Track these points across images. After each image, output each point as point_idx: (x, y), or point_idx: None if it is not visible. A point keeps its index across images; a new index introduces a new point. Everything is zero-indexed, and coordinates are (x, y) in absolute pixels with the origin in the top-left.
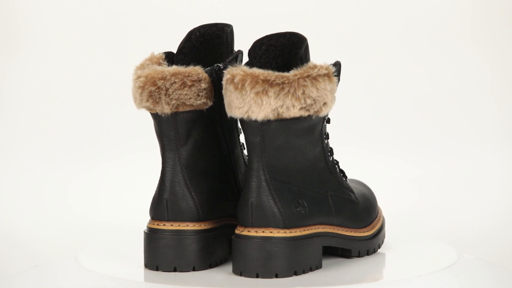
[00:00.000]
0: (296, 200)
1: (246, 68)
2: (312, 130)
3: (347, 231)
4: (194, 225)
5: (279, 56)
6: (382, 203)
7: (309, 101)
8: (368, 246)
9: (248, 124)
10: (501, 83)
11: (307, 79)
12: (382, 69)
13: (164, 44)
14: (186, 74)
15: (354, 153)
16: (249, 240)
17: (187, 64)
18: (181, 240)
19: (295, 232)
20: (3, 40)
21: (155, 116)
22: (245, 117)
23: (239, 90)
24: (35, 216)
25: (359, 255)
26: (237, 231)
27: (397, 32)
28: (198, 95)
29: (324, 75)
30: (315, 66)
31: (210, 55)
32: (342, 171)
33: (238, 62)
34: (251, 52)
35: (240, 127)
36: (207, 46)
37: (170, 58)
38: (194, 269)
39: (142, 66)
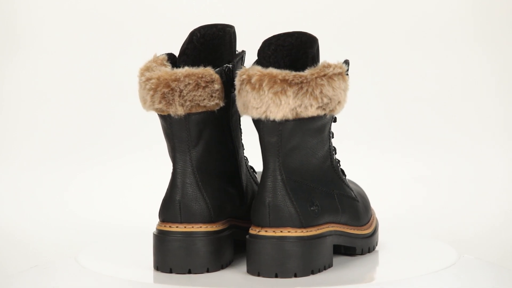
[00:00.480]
0: (310, 200)
1: (261, 68)
2: (323, 129)
3: (351, 229)
4: (206, 227)
5: (286, 56)
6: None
7: (325, 100)
8: (369, 244)
9: (265, 124)
10: (510, 83)
11: (323, 78)
12: (389, 68)
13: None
14: (200, 75)
15: (355, 152)
16: (267, 240)
17: (190, 65)
18: (195, 241)
19: (310, 231)
20: (3, 40)
21: (166, 118)
22: (262, 117)
23: (256, 90)
24: (35, 216)
25: (362, 253)
26: (252, 232)
27: (405, 31)
28: (212, 96)
29: (339, 73)
30: (329, 65)
31: (209, 56)
32: (342, 170)
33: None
34: (260, 52)
35: (241, 127)
36: (207, 47)
37: (172, 59)
38: (208, 271)
39: (148, 68)
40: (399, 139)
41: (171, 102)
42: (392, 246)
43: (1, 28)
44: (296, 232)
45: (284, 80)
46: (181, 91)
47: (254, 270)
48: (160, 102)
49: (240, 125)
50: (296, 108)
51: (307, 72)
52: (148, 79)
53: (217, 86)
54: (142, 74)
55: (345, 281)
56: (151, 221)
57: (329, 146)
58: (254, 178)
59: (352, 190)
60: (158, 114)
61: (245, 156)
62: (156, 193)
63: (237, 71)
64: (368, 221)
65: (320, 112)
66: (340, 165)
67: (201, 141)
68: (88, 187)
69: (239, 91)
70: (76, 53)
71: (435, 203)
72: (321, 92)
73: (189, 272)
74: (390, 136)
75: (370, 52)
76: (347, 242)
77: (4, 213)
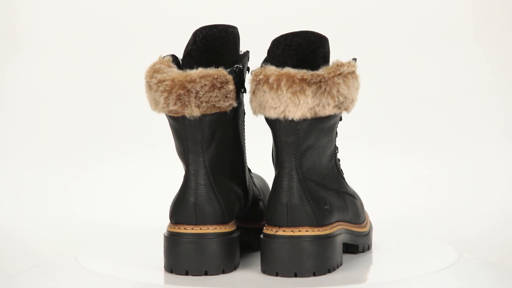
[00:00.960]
0: (323, 198)
1: (276, 68)
2: (333, 128)
3: (354, 226)
4: (221, 228)
5: (293, 55)
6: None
7: (341, 99)
8: (368, 242)
9: (282, 124)
10: (510, 83)
11: (339, 77)
12: (389, 68)
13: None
14: (215, 76)
15: (355, 152)
16: (286, 240)
17: (194, 66)
18: (210, 243)
19: (325, 230)
20: (3, 40)
21: (180, 119)
22: (281, 117)
23: (274, 90)
24: (35, 216)
25: (363, 250)
26: (268, 232)
27: (405, 31)
28: (226, 97)
29: (352, 72)
30: (343, 64)
31: (210, 57)
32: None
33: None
34: (270, 51)
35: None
36: (208, 48)
37: (175, 61)
38: (223, 272)
39: (157, 70)
40: (399, 139)
41: (186, 103)
42: (392, 246)
43: (1, 28)
44: (313, 231)
45: (303, 80)
46: (197, 92)
47: (272, 270)
48: (175, 104)
49: (244, 125)
50: (314, 108)
51: (323, 71)
52: (161, 81)
53: (231, 86)
54: (151, 76)
55: (345, 281)
56: (151, 221)
57: (335, 144)
58: (253, 179)
59: (349, 188)
60: (169, 116)
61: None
62: (156, 193)
63: (251, 71)
64: (365, 219)
65: (336, 111)
66: (340, 164)
67: (214, 142)
68: (88, 187)
69: (254, 92)
70: (76, 53)
71: (435, 203)
72: (337, 91)
73: (206, 273)
74: (390, 136)
75: (370, 52)
76: (352, 240)
77: (4, 213)
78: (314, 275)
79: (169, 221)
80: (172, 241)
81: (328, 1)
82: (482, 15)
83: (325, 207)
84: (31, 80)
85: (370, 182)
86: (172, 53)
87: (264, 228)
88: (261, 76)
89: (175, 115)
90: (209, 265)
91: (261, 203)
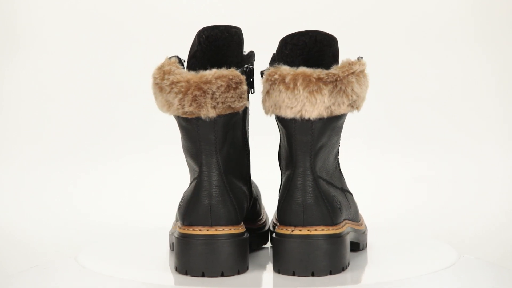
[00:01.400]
0: (334, 197)
1: (290, 68)
2: (342, 126)
3: (355, 224)
4: (234, 229)
5: (299, 55)
6: (382, 203)
7: (354, 97)
8: (366, 240)
9: (298, 123)
10: (510, 83)
11: (353, 76)
12: (389, 68)
13: (163, 44)
14: (230, 77)
15: (355, 152)
16: (302, 239)
17: (199, 68)
18: (225, 244)
19: (338, 229)
20: (3, 40)
21: (193, 120)
22: (297, 116)
23: (291, 90)
24: (35, 216)
25: (362, 248)
26: (283, 231)
27: (405, 31)
28: (241, 97)
29: (363, 70)
30: (354, 62)
31: (212, 58)
32: None
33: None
34: (278, 51)
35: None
36: (210, 48)
37: (180, 62)
38: (238, 273)
39: (168, 72)
40: (399, 139)
41: (202, 104)
42: (392, 246)
43: (1, 28)
44: (328, 230)
45: (319, 79)
46: (213, 93)
47: (288, 270)
48: (190, 105)
49: (248, 126)
50: (330, 107)
51: (337, 70)
52: (174, 82)
53: (245, 87)
54: (162, 77)
55: (345, 281)
56: (152, 221)
57: (339, 143)
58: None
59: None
60: (181, 118)
61: None
62: (157, 193)
63: (264, 71)
64: (360, 217)
65: (350, 110)
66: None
67: (226, 142)
68: (88, 187)
69: (268, 91)
70: (76, 53)
71: (435, 203)
72: (352, 89)
73: (222, 275)
74: (390, 136)
75: (370, 52)
76: (355, 238)
77: (4, 213)
78: (330, 273)
79: (177, 222)
80: (186, 243)
81: (328, 1)
82: (482, 15)
83: (337, 205)
84: (31, 80)
85: (370, 182)
86: (175, 54)
87: (277, 227)
88: (276, 76)
89: (190, 116)
90: (225, 266)
91: (257, 203)
